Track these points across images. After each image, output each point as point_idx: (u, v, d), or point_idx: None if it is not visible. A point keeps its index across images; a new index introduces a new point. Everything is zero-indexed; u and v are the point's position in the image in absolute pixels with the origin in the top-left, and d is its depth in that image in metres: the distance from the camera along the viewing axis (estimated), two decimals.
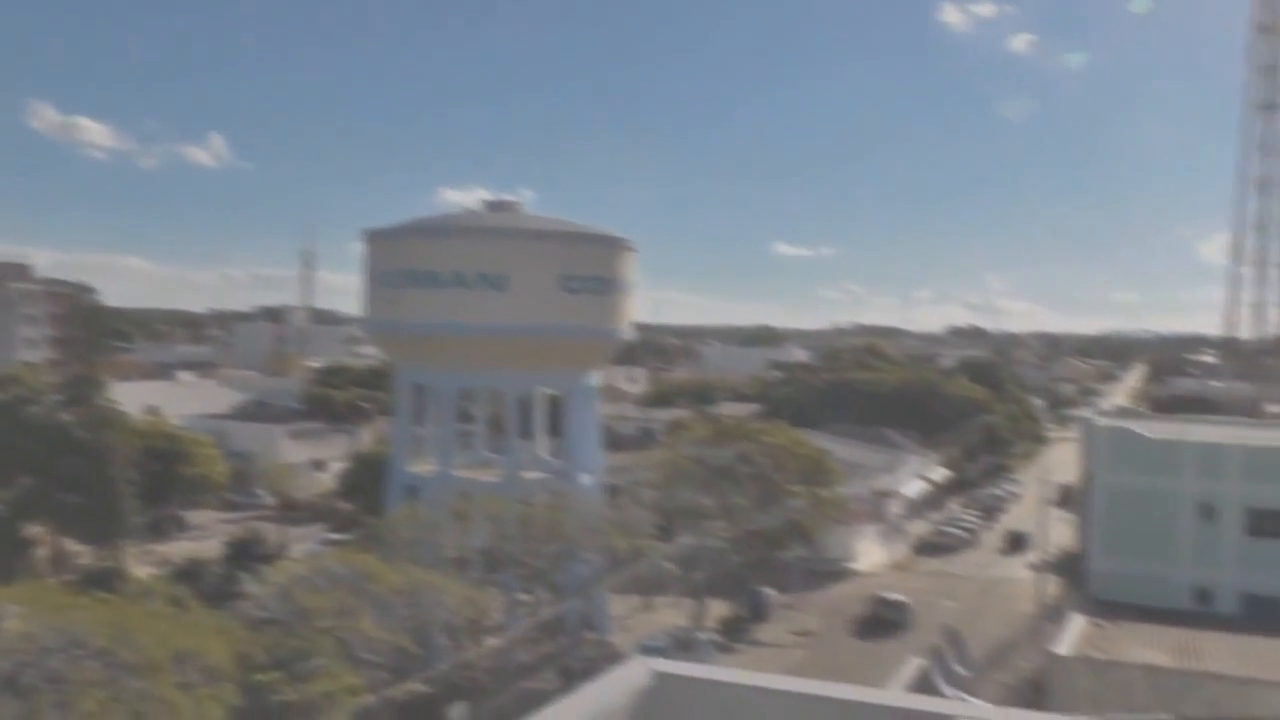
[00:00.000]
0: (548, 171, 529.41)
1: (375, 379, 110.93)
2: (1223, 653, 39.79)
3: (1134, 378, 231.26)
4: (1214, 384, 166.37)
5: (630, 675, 8.66)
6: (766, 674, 8.93)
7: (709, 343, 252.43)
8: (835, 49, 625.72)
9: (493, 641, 47.27)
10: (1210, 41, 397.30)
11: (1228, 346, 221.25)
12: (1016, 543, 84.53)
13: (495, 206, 62.51)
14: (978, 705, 16.07)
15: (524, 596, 53.42)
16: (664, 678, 8.60)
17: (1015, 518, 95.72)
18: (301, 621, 37.74)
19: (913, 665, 18.06)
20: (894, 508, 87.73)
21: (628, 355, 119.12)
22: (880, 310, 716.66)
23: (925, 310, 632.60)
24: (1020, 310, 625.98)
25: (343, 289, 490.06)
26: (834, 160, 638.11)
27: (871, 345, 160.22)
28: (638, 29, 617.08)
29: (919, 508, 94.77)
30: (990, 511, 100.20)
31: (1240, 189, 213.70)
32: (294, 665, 35.65)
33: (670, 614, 60.90)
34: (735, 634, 61.31)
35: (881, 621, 65.03)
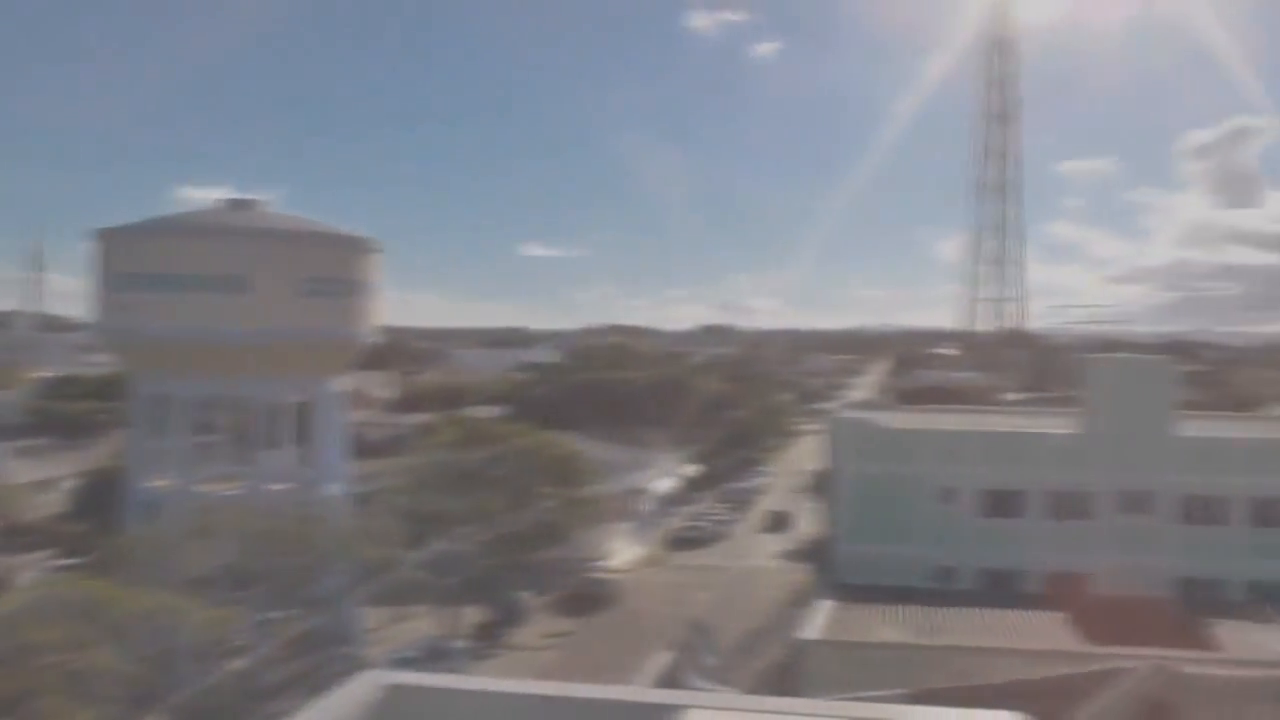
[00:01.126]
0: (293, 170, 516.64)
1: (110, 389, 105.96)
2: (963, 626, 41.61)
3: (879, 371, 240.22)
4: (953, 375, 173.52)
5: (360, 689, 8.22)
6: (504, 678, 8.61)
7: (460, 345, 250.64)
8: (585, 51, 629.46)
9: (240, 663, 45.58)
10: (948, 53, 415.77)
11: (966, 339, 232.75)
12: (778, 522, 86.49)
13: (236, 205, 60.36)
14: (722, 694, 16.14)
15: (272, 613, 51.72)
16: (396, 689, 8.18)
17: (767, 508, 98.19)
18: (27, 657, 35.52)
19: (661, 660, 18.05)
20: (646, 504, 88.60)
21: (377, 359, 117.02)
22: (632, 310, 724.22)
23: (676, 310, 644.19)
24: (769, 308, 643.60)
25: (74, 293, 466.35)
26: (584, 162, 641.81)
27: (623, 345, 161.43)
28: (384, 26, 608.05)
29: (671, 503, 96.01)
30: (741, 504, 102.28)
31: (975, 192, 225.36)
32: (18, 707, 33.50)
33: (424, 623, 59.95)
34: (489, 639, 60.79)
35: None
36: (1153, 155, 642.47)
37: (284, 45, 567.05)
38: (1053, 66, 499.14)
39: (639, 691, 8.45)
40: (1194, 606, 47.30)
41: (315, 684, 50.05)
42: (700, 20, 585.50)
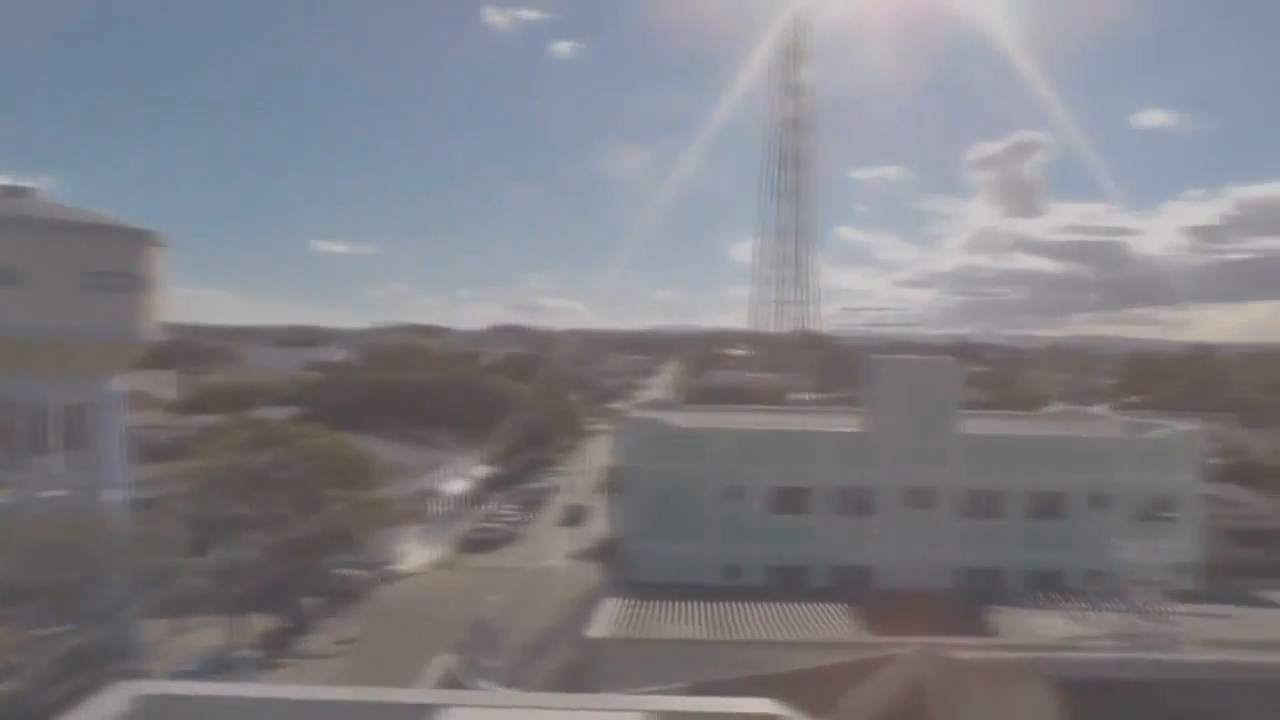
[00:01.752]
0: (73, 159, 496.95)
1: None
2: (750, 620, 42.22)
3: (672, 371, 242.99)
4: (746, 375, 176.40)
5: (111, 700, 7.86)
6: (267, 684, 8.34)
7: (250, 344, 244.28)
8: (380, 45, 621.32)
9: (9, 684, 43.44)
10: (750, 58, 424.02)
11: (759, 341, 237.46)
12: (571, 522, 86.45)
13: (9, 193, 57.33)
14: (490, 692, 16.12)
15: (46, 629, 49.36)
16: (149, 699, 7.84)
17: (560, 509, 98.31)
18: None
19: (441, 662, 17.82)
20: (439, 506, 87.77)
21: (162, 357, 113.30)
22: (425, 309, 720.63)
23: (470, 309, 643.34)
24: (563, 308, 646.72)
25: None
26: (378, 157, 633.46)
27: (415, 344, 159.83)
28: (176, 17, 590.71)
29: (464, 505, 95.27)
30: (535, 505, 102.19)
31: (767, 197, 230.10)
32: None
33: (210, 634, 58.10)
34: (278, 648, 59.24)
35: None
36: (942, 165, 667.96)
37: (70, 32, 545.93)
38: (847, 76, 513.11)
39: (401, 693, 8.26)
40: (975, 595, 49.08)
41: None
42: (497, 17, 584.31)
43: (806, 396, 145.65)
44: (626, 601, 44.49)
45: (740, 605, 44.66)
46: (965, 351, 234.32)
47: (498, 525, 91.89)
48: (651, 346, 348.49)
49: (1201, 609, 44.12)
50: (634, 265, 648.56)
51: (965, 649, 12.84)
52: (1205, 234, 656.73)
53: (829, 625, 42.09)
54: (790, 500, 55.67)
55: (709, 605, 44.25)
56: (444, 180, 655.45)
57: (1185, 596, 46.11)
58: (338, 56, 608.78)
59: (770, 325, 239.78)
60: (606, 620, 41.22)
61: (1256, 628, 43.98)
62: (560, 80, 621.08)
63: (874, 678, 12.08)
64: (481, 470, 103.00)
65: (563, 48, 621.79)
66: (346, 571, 68.24)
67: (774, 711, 8.44)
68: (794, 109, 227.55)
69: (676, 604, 44.35)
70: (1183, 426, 64.24)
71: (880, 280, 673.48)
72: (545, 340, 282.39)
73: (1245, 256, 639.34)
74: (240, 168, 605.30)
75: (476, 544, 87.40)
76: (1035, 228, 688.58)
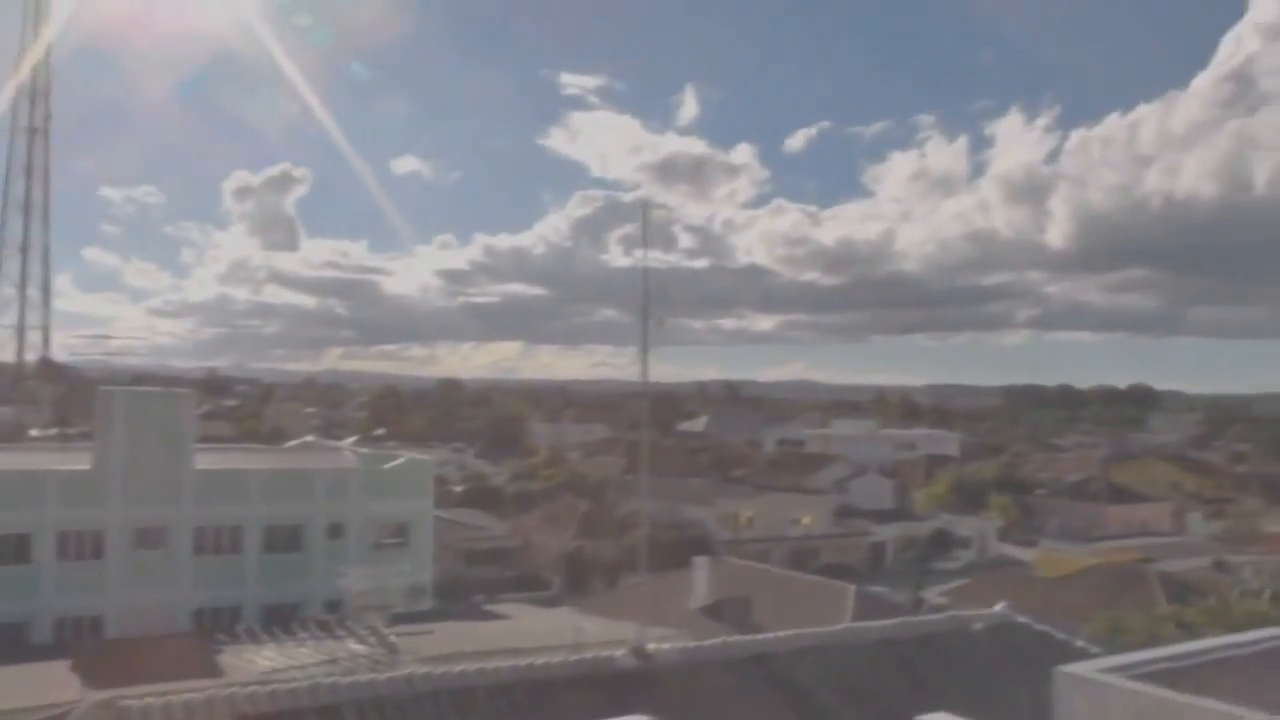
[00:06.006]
0: None
1: None
2: None
3: None
4: None
5: None
6: None
7: None
8: None
9: None
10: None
11: None
12: None
13: None
14: None
15: None
16: None
17: None
18: None
19: None
20: None
21: None
22: None
23: None
24: None
25: None
26: None
27: None
28: None
29: None
30: None
31: (3, 210, 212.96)
32: None
33: None
34: None
35: None
36: (198, 190, 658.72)
37: None
38: (101, 88, 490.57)
39: None
40: (208, 635, 47.80)
41: None
42: None
43: (41, 433, 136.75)
44: None
45: None
46: (216, 384, 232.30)
47: None
48: None
49: (416, 628, 45.82)
50: None
51: (166, 693, 12.21)
52: (454, 277, 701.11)
53: (44, 685, 38.99)
54: (9, 549, 51.39)
55: None
56: None
57: (414, 617, 47.82)
58: None
59: (7, 353, 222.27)
60: None
61: (468, 639, 46.46)
62: None
63: None
64: None
65: None
66: None
67: None
68: (38, 116, 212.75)
69: None
70: (420, 456, 67.00)
71: (130, 308, 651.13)
72: None
73: (491, 299, 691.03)
74: None
75: None
76: (291, 262, 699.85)
